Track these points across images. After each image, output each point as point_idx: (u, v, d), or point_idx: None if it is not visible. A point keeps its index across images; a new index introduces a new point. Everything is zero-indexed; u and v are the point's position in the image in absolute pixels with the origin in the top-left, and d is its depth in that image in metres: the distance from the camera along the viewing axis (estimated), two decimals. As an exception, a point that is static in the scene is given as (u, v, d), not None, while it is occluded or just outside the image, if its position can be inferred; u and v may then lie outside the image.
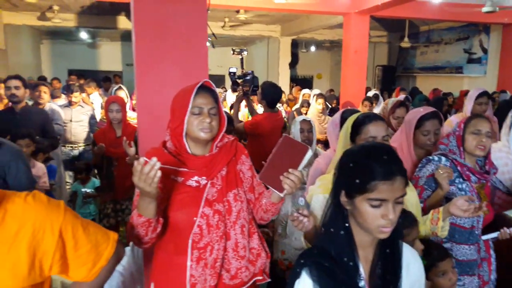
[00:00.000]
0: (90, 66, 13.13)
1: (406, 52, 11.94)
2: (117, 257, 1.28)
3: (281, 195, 1.50)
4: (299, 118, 2.99)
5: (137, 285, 2.43)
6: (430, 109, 2.32)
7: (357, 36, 7.07)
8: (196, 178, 1.58)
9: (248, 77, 3.64)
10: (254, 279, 1.64)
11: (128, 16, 9.38)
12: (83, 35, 12.24)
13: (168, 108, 1.83)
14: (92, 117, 4.85)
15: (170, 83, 1.91)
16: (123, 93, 4.36)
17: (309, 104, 6.43)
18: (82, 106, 4.83)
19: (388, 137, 1.82)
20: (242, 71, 3.72)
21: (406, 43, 9.83)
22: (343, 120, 2.18)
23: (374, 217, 1.11)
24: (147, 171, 1.29)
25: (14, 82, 3.38)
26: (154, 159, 1.31)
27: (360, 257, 1.19)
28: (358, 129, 1.79)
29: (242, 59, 3.79)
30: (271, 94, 3.81)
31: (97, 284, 1.26)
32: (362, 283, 1.17)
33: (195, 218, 1.55)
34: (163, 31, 1.89)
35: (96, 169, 3.83)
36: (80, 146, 4.76)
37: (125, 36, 12.30)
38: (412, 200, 1.82)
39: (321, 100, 5.43)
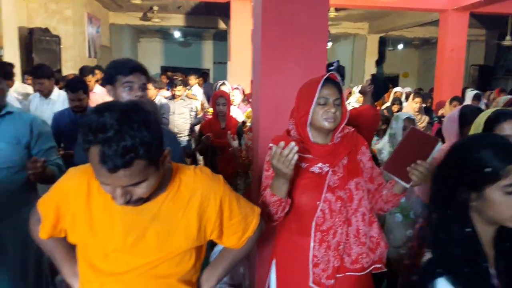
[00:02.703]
0: (181, 63, 13.90)
1: (507, 51, 11.07)
2: (260, 229, 1.41)
3: (407, 186, 1.54)
4: (402, 115, 2.96)
5: (240, 267, 2.60)
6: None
7: (454, 33, 6.75)
8: (319, 165, 1.67)
9: (332, 67, 3.64)
10: (373, 266, 1.70)
11: (223, 16, 9.80)
12: (176, 34, 12.99)
13: (289, 100, 1.95)
14: (192, 110, 5.18)
15: (291, 77, 2.03)
16: (226, 88, 4.62)
17: (400, 102, 6.26)
18: (183, 100, 5.18)
19: None
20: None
21: (508, 41, 9.13)
22: (462, 116, 2.15)
23: (509, 206, 1.06)
24: (286, 154, 1.41)
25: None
26: (293, 143, 1.42)
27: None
28: (491, 126, 1.76)
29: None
30: (379, 87, 3.80)
31: (244, 251, 1.41)
32: (495, 281, 1.12)
33: (318, 202, 1.64)
34: (287, 28, 2.01)
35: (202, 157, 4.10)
36: (182, 137, 5.11)
37: (217, 36, 12.83)
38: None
39: (418, 99, 5.27)
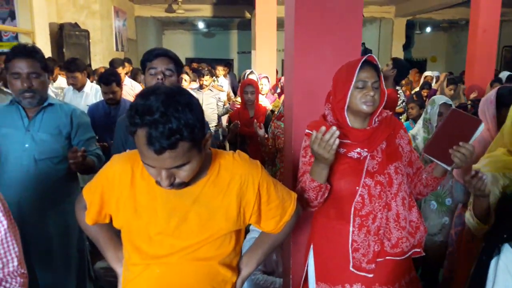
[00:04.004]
0: (205, 54, 13.96)
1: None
2: (297, 214, 1.42)
3: (449, 168, 1.52)
4: (439, 100, 2.85)
5: (272, 254, 2.62)
6: None
7: (487, 13, 6.49)
8: (358, 150, 1.65)
9: None
10: (412, 251, 1.68)
11: (247, 5, 9.75)
12: (200, 25, 13.03)
13: (323, 84, 1.93)
14: (219, 100, 5.21)
15: (325, 61, 2.01)
16: (254, 77, 4.62)
17: (430, 87, 6.12)
18: (211, 90, 5.21)
19: None
20: None
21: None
22: (499, 97, 2.08)
23: None
24: (327, 139, 1.41)
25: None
26: (334, 127, 1.42)
27: None
28: None
29: None
30: (402, 71, 3.74)
31: (282, 236, 1.42)
32: None
33: (357, 188, 1.63)
34: (321, 10, 1.98)
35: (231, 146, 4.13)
36: (210, 127, 5.16)
37: (241, 25, 12.80)
38: None
39: (452, 86, 5.10)
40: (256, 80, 4.11)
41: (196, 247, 1.23)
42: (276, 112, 3.59)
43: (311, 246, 1.79)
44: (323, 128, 1.43)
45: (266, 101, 4.47)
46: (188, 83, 4.85)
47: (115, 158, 1.31)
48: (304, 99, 2.07)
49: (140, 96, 1.05)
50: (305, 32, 2.00)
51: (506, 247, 1.12)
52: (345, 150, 1.66)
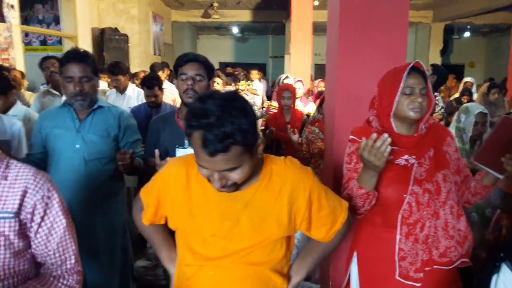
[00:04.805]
0: (238, 59, 14.10)
1: None
2: (348, 223, 1.39)
3: (501, 177, 1.48)
4: (474, 109, 2.73)
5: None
6: None
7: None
8: (406, 157, 1.63)
9: None
10: (460, 260, 1.65)
11: (281, 10, 9.79)
12: (234, 29, 13.16)
13: (367, 90, 1.92)
14: (255, 104, 5.24)
15: (370, 66, 2.00)
16: (290, 82, 4.63)
17: (471, 93, 5.94)
18: (246, 94, 5.26)
19: None
20: None
21: None
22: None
23: None
24: (379, 146, 1.40)
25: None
26: (386, 135, 1.41)
27: None
28: None
29: None
30: (441, 78, 3.67)
31: (333, 244, 1.40)
32: None
33: (404, 195, 1.60)
34: (366, 15, 1.97)
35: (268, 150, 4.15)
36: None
37: (274, 30, 12.85)
38: None
39: (495, 90, 4.92)
40: (293, 85, 4.11)
41: (248, 251, 1.24)
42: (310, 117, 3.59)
43: (354, 253, 1.78)
44: (374, 135, 1.42)
45: (301, 105, 4.47)
46: (221, 86, 4.90)
47: (171, 161, 1.35)
48: (347, 104, 2.06)
49: (198, 100, 1.09)
50: (349, 36, 2.00)
51: (504, 266, 1.12)
52: (392, 157, 1.64)
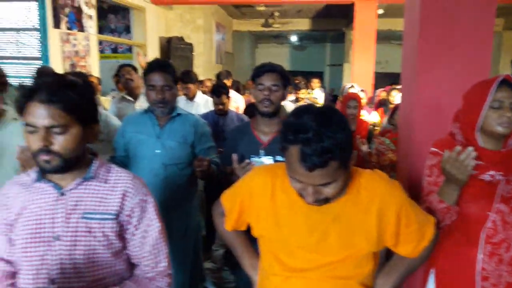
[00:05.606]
0: (296, 67, 14.10)
1: None
2: (435, 239, 1.36)
3: None
4: None
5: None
6: None
7: None
8: (491, 172, 1.56)
9: None
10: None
11: (341, 18, 9.72)
12: (293, 38, 13.22)
13: (449, 102, 1.87)
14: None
15: (452, 77, 1.94)
16: (355, 91, 4.58)
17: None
18: (307, 103, 5.26)
19: None
20: None
21: None
22: None
23: None
24: (463, 159, 1.36)
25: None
26: (471, 148, 1.37)
27: None
28: None
29: None
30: None
31: (419, 261, 1.37)
32: None
33: (488, 213, 1.54)
34: (448, 23, 1.92)
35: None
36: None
37: (333, 38, 12.77)
38: None
39: None
40: (359, 95, 4.06)
41: (336, 265, 1.23)
42: (379, 128, 3.52)
43: (432, 270, 1.72)
44: (458, 147, 1.38)
45: (366, 114, 4.40)
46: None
47: (255, 169, 1.38)
48: (427, 115, 2.01)
49: (293, 114, 1.11)
50: (430, 46, 1.95)
51: None
52: (476, 172, 1.58)
